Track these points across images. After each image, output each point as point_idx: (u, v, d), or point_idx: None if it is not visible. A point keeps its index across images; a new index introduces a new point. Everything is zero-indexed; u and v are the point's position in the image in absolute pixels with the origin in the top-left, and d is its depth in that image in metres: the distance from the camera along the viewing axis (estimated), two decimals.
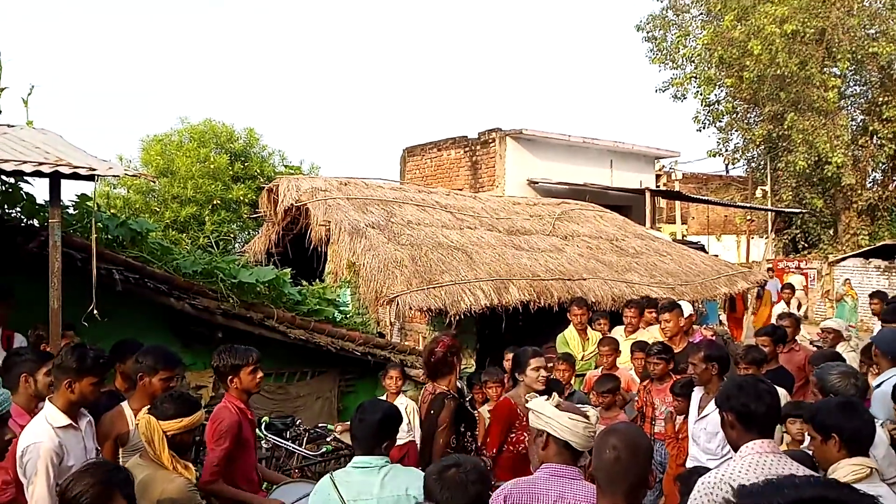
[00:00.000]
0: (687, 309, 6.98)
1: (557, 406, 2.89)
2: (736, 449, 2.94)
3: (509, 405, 4.66)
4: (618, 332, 7.40)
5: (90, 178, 4.86)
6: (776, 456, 2.83)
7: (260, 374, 4.12)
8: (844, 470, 2.96)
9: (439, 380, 4.58)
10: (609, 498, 2.38)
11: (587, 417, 2.86)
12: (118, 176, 5.29)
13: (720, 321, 12.74)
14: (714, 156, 26.22)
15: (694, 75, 24.36)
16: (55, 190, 4.90)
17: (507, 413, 4.64)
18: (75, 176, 4.78)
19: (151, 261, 6.14)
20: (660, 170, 24.46)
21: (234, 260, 6.93)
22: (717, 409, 3.11)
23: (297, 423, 6.51)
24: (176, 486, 3.27)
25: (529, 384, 4.64)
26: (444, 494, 2.36)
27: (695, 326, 7.40)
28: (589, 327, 7.53)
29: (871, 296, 8.99)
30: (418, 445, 5.26)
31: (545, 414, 2.87)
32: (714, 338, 6.87)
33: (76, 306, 5.14)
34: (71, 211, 6.14)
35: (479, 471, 2.42)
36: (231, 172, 21.89)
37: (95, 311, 5.02)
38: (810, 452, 3.28)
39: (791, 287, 11.19)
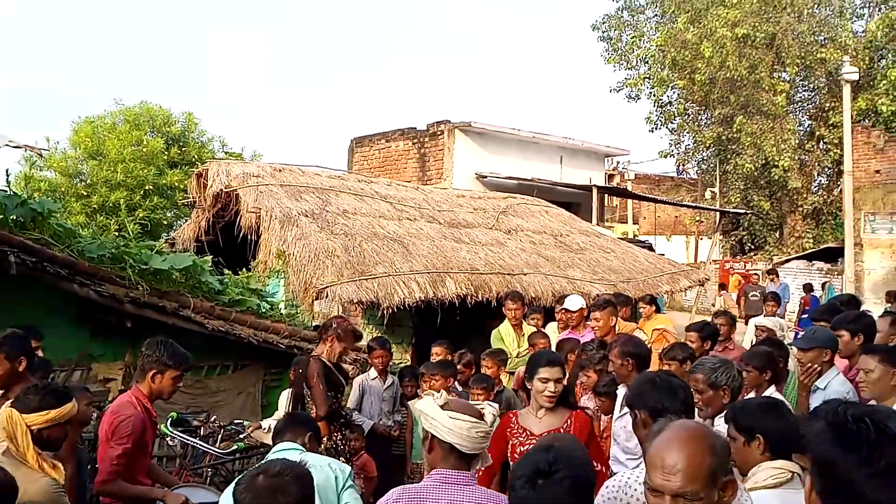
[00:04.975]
0: (578, 303, 6.75)
1: (444, 406, 2.59)
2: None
3: (506, 420, 3.76)
4: (551, 329, 7.20)
5: None
6: None
7: (180, 384, 3.97)
8: (764, 473, 2.73)
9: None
10: None
11: (480, 417, 2.57)
12: None
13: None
14: (666, 157, 26.45)
15: (647, 76, 24.48)
16: None
17: (499, 428, 3.56)
18: None
19: (52, 243, 5.71)
20: (613, 169, 24.53)
21: (147, 246, 6.52)
22: (629, 409, 2.89)
23: (212, 419, 6.16)
24: (38, 487, 3.03)
25: (534, 396, 3.72)
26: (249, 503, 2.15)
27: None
28: (524, 322, 7.32)
29: None
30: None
31: (427, 414, 2.59)
32: None
33: None
34: None
35: (296, 475, 2.19)
36: (166, 157, 21.14)
37: None
38: None
39: (725, 287, 11.15)
